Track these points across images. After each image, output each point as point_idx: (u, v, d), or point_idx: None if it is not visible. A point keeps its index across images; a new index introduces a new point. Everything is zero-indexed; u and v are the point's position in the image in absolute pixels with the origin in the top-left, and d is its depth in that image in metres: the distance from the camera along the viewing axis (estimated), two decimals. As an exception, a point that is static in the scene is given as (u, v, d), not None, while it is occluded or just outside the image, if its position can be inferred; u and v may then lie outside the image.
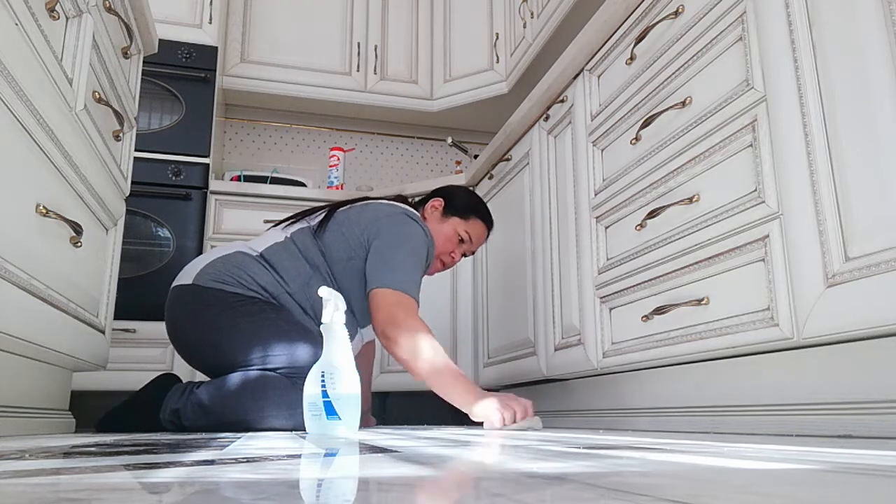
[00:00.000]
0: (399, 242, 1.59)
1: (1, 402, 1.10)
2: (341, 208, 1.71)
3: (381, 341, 1.52)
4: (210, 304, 1.51)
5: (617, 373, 1.50)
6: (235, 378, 1.45)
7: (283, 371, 1.45)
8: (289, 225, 1.71)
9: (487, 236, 1.88)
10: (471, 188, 1.93)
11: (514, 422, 1.34)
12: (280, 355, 1.46)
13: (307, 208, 1.77)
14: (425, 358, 1.43)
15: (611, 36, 1.53)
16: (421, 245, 1.62)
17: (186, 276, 1.58)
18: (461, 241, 1.79)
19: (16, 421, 1.16)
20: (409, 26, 3.18)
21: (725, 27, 1.14)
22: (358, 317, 1.67)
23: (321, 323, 1.28)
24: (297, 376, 1.40)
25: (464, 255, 1.84)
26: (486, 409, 1.35)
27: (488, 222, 1.85)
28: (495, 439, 0.93)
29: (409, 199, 1.91)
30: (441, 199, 1.82)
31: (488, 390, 1.46)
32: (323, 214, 1.70)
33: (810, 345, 0.96)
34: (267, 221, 2.43)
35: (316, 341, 1.47)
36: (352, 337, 1.57)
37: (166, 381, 1.54)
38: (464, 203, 1.82)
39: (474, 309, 2.35)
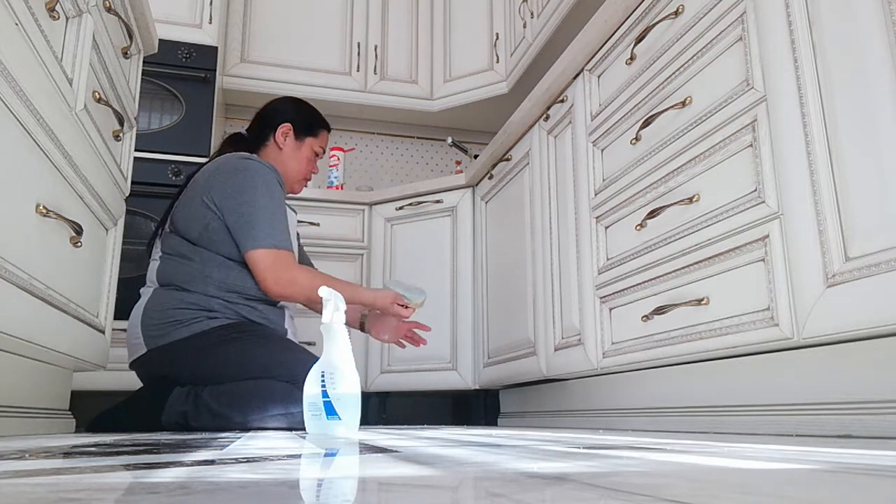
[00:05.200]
0: (248, 193, 1.61)
1: (1, 402, 1.10)
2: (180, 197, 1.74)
3: (279, 299, 1.64)
4: (185, 355, 1.55)
5: (617, 373, 1.50)
6: (242, 384, 1.51)
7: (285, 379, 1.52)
8: (152, 244, 1.74)
9: None
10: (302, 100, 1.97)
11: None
12: (280, 371, 1.52)
13: (159, 220, 1.80)
14: (322, 287, 1.43)
15: (611, 36, 1.53)
16: (270, 183, 1.64)
17: (138, 347, 1.59)
18: (316, 155, 1.89)
19: (16, 421, 1.16)
20: (409, 26, 3.18)
21: (725, 27, 1.14)
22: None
23: (246, 300, 1.48)
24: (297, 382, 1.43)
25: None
26: (387, 296, 1.65)
27: (329, 128, 1.93)
28: (495, 439, 0.93)
29: (240, 133, 1.90)
30: (288, 124, 1.84)
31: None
32: (165, 211, 1.74)
33: (810, 345, 0.96)
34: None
35: (300, 351, 1.58)
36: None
37: (163, 385, 1.56)
38: (307, 120, 1.87)
39: (474, 309, 2.35)
